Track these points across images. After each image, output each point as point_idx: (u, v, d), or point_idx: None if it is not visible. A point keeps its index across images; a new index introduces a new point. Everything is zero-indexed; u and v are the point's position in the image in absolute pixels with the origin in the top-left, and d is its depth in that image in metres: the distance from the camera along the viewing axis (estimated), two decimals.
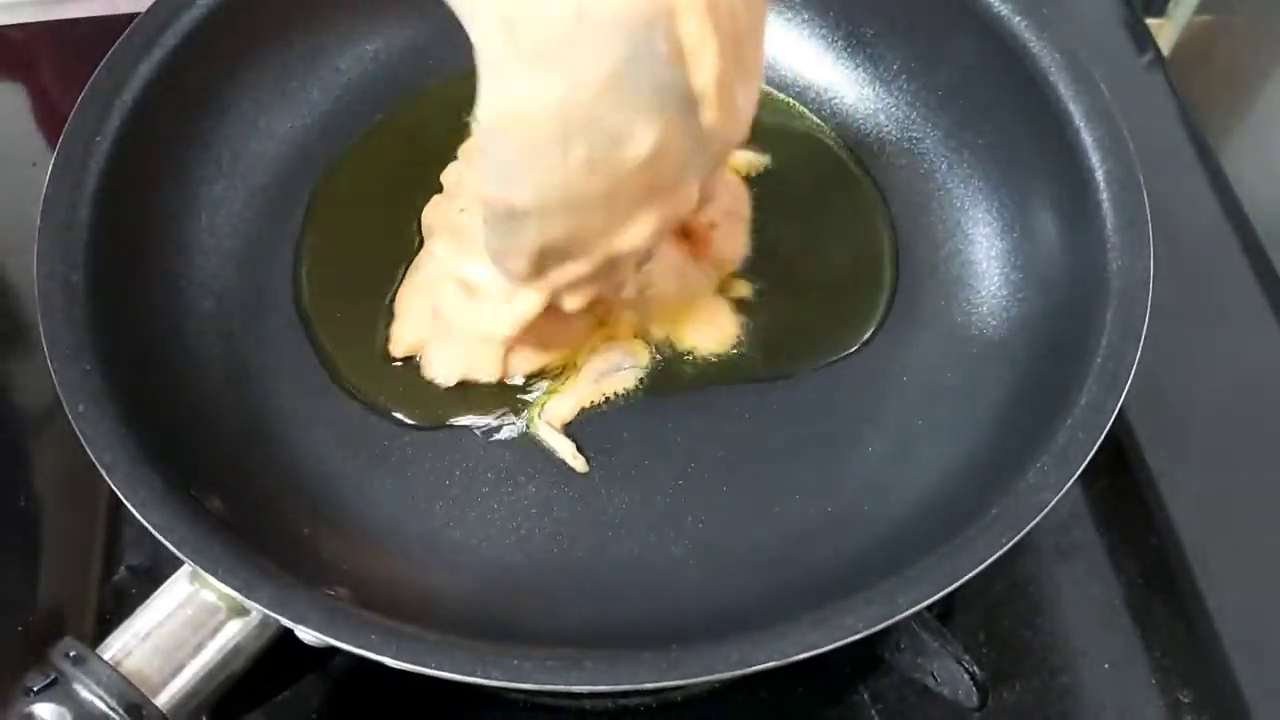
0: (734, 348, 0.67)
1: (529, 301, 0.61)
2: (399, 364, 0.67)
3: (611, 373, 0.66)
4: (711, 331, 0.67)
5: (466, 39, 0.77)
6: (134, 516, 0.65)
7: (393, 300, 0.68)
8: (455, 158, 0.73)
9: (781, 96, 0.77)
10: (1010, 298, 0.67)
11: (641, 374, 0.66)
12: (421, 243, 0.70)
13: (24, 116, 0.88)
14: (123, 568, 0.66)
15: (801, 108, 0.77)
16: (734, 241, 0.70)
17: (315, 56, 0.74)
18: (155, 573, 0.64)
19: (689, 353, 0.67)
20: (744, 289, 0.69)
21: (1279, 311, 0.77)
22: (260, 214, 0.71)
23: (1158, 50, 0.91)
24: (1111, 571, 0.67)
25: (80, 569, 0.67)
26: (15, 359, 0.76)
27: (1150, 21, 0.95)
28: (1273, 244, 0.81)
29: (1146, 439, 0.71)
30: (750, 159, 0.74)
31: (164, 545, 0.50)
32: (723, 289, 0.69)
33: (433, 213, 0.71)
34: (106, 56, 0.65)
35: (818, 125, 0.76)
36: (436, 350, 0.66)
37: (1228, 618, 0.66)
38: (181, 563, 0.52)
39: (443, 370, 0.65)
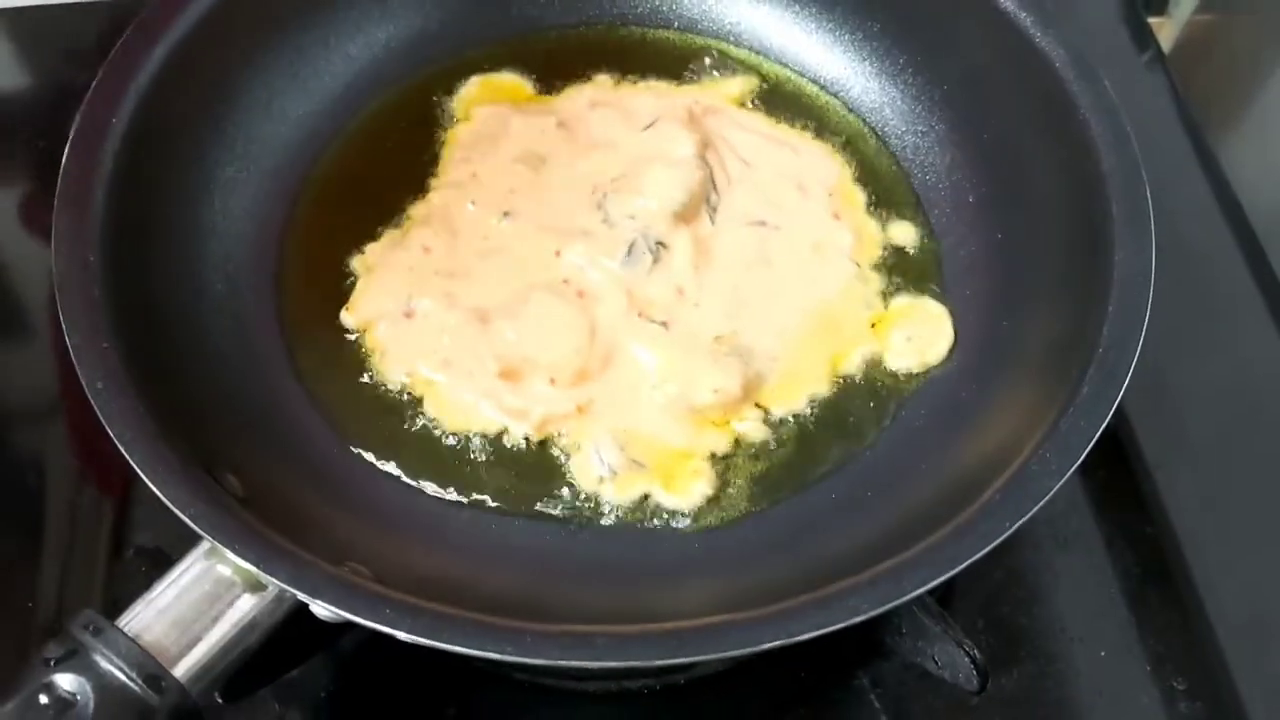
0: None
1: (565, 403, 0.65)
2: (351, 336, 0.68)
3: None
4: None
5: (474, 26, 0.78)
6: (143, 496, 0.66)
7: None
8: (450, 142, 0.75)
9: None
10: (1013, 289, 0.68)
11: None
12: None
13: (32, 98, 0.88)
14: (131, 548, 0.67)
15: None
16: None
17: (328, 42, 0.75)
18: (163, 553, 0.66)
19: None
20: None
21: (1274, 306, 0.78)
22: (271, 196, 0.71)
23: (1159, 48, 0.92)
24: (1108, 561, 0.68)
25: (89, 548, 0.67)
26: (22, 342, 0.77)
27: (1152, 20, 0.95)
28: (1269, 240, 0.81)
29: (1143, 431, 0.72)
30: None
31: (176, 523, 0.51)
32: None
33: (439, 198, 0.72)
34: (122, 39, 0.66)
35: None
36: (438, 390, 0.66)
37: (1221, 607, 0.66)
38: (193, 542, 0.53)
39: (453, 422, 0.65)
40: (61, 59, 0.89)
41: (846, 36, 0.78)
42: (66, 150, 0.62)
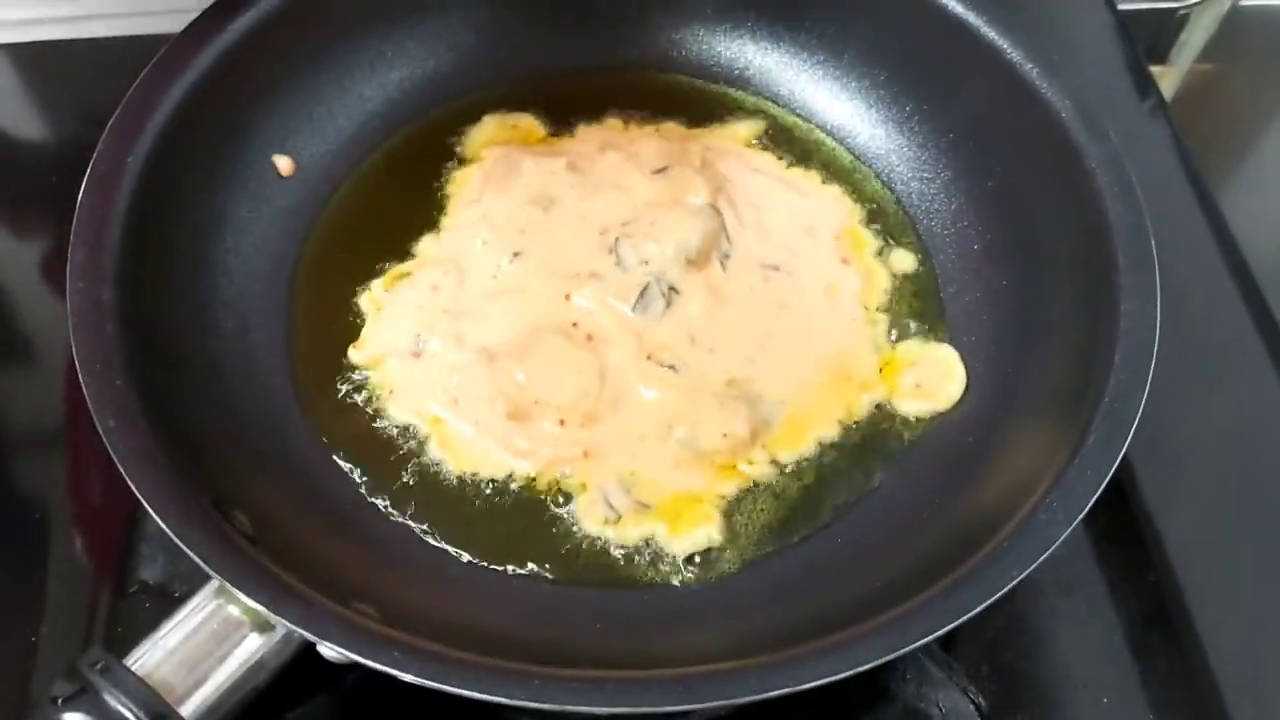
0: None
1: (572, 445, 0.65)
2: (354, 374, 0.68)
3: None
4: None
5: (486, 67, 0.79)
6: (149, 533, 0.67)
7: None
8: (461, 181, 0.75)
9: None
10: (1018, 336, 0.68)
11: None
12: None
13: (46, 136, 0.89)
14: (136, 584, 0.67)
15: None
16: None
17: (343, 84, 0.75)
18: (168, 589, 0.65)
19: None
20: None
21: (1275, 352, 0.79)
22: (283, 235, 0.72)
23: (1160, 96, 0.93)
24: (1111, 607, 0.68)
25: (94, 583, 0.67)
26: (29, 372, 0.77)
27: (1154, 68, 0.96)
28: (1270, 286, 0.82)
29: (1145, 477, 0.72)
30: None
31: (183, 561, 0.51)
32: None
33: (449, 237, 0.73)
34: (140, 77, 0.66)
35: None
36: (445, 430, 0.66)
37: (1224, 654, 0.66)
38: (200, 579, 0.53)
39: (459, 462, 0.66)
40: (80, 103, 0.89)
41: (854, 84, 0.79)
42: (83, 187, 0.62)
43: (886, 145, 0.78)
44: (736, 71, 0.81)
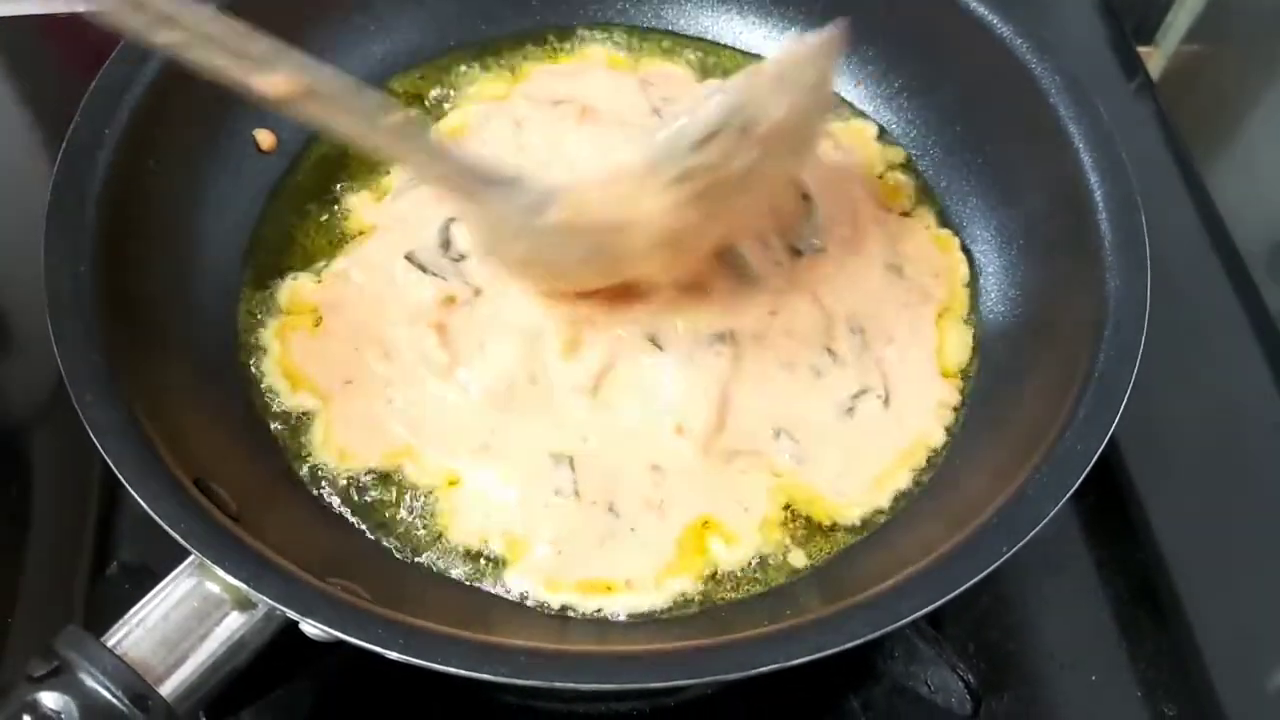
0: None
1: None
2: None
3: None
4: None
5: (469, 34, 0.78)
6: (127, 511, 0.66)
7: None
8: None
9: None
10: (1008, 314, 0.68)
11: None
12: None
13: (19, 110, 0.88)
14: (115, 563, 0.66)
15: None
16: None
17: (325, 58, 0.72)
18: (147, 568, 0.64)
19: None
20: None
21: (1261, 332, 0.79)
22: (265, 211, 0.71)
23: (1147, 76, 0.93)
24: (1098, 586, 0.68)
25: (71, 563, 0.66)
26: (7, 355, 0.76)
27: (1140, 49, 0.96)
28: (1256, 266, 0.82)
29: (1133, 457, 0.72)
30: None
31: (161, 539, 0.50)
32: None
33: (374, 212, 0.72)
34: (117, 49, 0.65)
35: None
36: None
37: (1211, 633, 0.67)
38: (179, 557, 0.52)
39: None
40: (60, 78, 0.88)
41: (841, 61, 0.78)
42: (57, 162, 0.61)
43: (876, 121, 0.77)
44: (722, 43, 0.81)
